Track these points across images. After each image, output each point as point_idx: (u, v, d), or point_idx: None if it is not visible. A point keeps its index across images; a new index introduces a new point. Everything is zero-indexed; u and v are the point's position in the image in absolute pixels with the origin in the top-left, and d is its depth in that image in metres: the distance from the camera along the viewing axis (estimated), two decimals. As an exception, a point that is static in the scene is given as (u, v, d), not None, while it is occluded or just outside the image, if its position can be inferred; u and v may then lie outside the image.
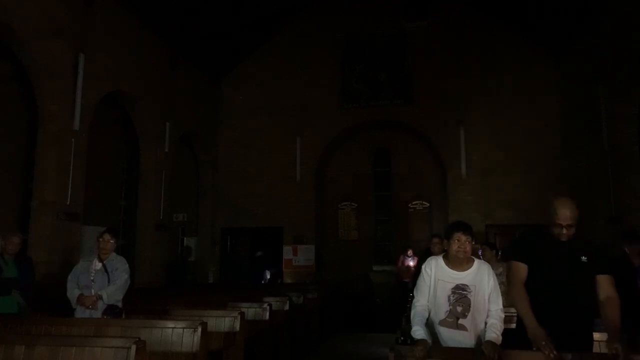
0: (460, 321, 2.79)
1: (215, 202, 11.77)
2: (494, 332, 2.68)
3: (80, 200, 7.16)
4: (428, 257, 3.15)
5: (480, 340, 2.74)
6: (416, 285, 3.00)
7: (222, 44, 11.02)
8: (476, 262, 2.88)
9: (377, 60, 11.65)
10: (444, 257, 2.92)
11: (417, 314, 2.84)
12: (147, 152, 9.34)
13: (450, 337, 2.80)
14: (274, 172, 11.61)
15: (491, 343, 2.56)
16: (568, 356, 2.39)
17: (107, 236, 4.24)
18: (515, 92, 10.72)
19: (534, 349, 2.47)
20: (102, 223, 8.26)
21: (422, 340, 2.63)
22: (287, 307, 6.12)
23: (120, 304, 4.18)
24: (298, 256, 11.32)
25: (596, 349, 2.89)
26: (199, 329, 3.59)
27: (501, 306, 2.82)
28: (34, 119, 7.21)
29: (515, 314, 2.95)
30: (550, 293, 2.72)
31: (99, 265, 4.17)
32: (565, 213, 2.70)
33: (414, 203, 12.29)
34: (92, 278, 4.10)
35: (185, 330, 3.60)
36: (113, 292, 4.10)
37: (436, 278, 2.87)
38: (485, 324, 2.79)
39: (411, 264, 9.73)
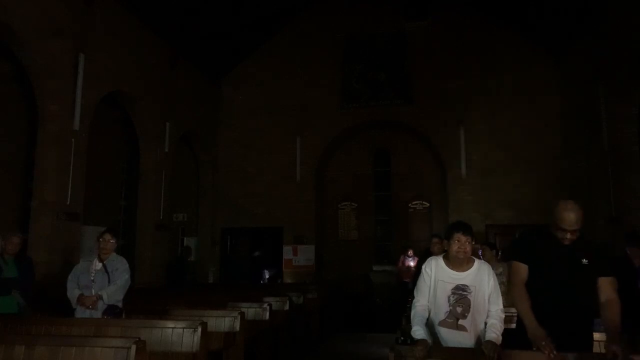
0: (460, 322, 2.79)
1: (215, 202, 11.77)
2: (494, 332, 2.68)
3: (80, 200, 7.16)
4: (428, 257, 3.15)
5: (480, 340, 2.74)
6: (416, 285, 3.00)
7: (222, 44, 11.02)
8: (476, 262, 2.88)
9: (377, 60, 11.65)
10: (444, 258, 2.92)
11: (417, 314, 2.84)
12: (147, 152, 9.34)
13: (450, 337, 2.80)
14: (274, 172, 11.61)
15: (491, 343, 2.56)
16: (568, 356, 2.39)
17: (107, 236, 4.23)
18: (515, 92, 10.72)
19: (534, 349, 2.47)
20: (102, 223, 8.26)
21: (422, 340, 2.63)
22: (287, 307, 6.12)
23: (120, 304, 4.18)
24: (298, 256, 11.32)
25: (596, 349, 2.89)
26: (199, 329, 3.59)
27: (501, 306, 2.82)
28: (34, 119, 7.21)
29: (516, 314, 2.95)
30: (551, 293, 2.72)
31: (99, 265, 4.16)
32: (571, 218, 2.65)
33: (414, 203, 12.29)
34: (92, 278, 4.10)
35: (185, 330, 3.60)
36: (113, 292, 4.10)
37: (436, 278, 2.87)
38: (485, 324, 2.79)
39: (411, 264, 9.73)
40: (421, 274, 2.96)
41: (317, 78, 11.75)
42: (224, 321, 4.45)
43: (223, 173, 11.90)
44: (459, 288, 2.80)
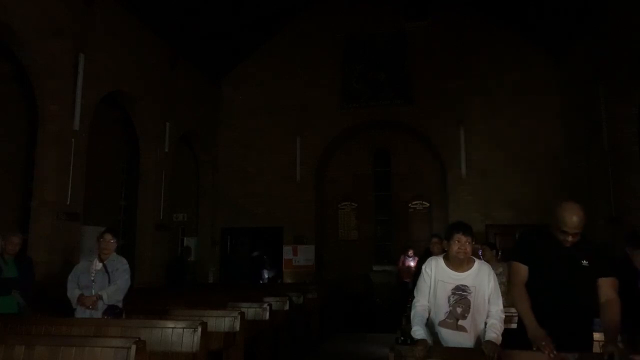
0: (460, 322, 2.78)
1: (215, 202, 11.77)
2: (494, 332, 2.68)
3: (80, 200, 7.16)
4: (428, 257, 3.14)
5: (480, 341, 2.74)
6: (416, 285, 3.00)
7: (222, 44, 11.02)
8: (477, 262, 2.88)
9: (377, 60, 11.65)
10: (444, 258, 2.92)
11: (417, 314, 2.84)
12: (147, 152, 9.34)
13: (450, 338, 2.80)
14: (274, 172, 11.61)
15: (491, 343, 2.56)
16: (568, 356, 2.39)
17: (108, 236, 4.23)
18: (515, 92, 10.72)
19: (534, 349, 2.47)
20: (102, 223, 8.26)
21: (422, 340, 2.62)
22: (287, 307, 6.12)
23: (120, 304, 4.17)
24: (298, 256, 11.32)
25: (596, 349, 2.89)
26: (199, 329, 3.59)
27: (501, 307, 2.82)
28: (34, 119, 7.21)
29: (516, 314, 2.95)
30: (551, 293, 2.72)
31: (99, 265, 4.16)
32: (573, 221, 2.61)
33: (414, 203, 12.30)
34: (92, 278, 4.10)
35: (185, 330, 3.60)
36: (113, 292, 4.10)
37: (436, 279, 2.87)
38: (485, 324, 2.78)
39: (412, 264, 9.73)
40: (421, 274, 2.96)
41: (317, 78, 11.75)
42: (224, 321, 4.44)
43: (223, 173, 11.90)
44: (459, 288, 2.80)
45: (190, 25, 9.72)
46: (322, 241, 11.99)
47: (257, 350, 5.00)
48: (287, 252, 11.42)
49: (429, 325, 2.85)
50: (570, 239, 2.67)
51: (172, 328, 3.61)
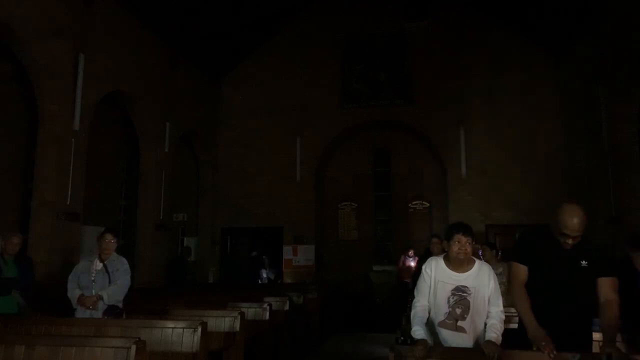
0: (459, 323, 2.78)
1: (215, 202, 11.77)
2: (494, 332, 2.67)
3: (80, 200, 7.16)
4: (428, 257, 3.14)
5: (479, 342, 2.74)
6: (416, 285, 3.00)
7: (222, 44, 11.02)
8: (477, 263, 2.87)
9: (377, 60, 11.65)
10: (444, 258, 2.91)
11: (417, 314, 2.83)
12: (147, 152, 9.34)
13: (449, 338, 2.79)
14: (274, 172, 11.61)
15: (491, 343, 2.56)
16: (568, 356, 2.39)
17: (109, 236, 4.23)
18: (515, 92, 10.72)
19: (534, 349, 2.47)
20: (102, 223, 8.27)
21: (422, 340, 2.62)
22: (287, 307, 6.12)
23: (121, 305, 4.17)
24: (298, 256, 11.32)
25: (595, 349, 2.89)
26: (199, 329, 3.59)
27: (502, 307, 2.81)
28: (34, 119, 7.20)
29: (516, 314, 2.94)
30: (550, 293, 2.72)
31: (99, 265, 4.16)
32: (574, 224, 2.59)
33: (414, 203, 12.30)
34: (92, 278, 4.10)
35: (185, 330, 3.60)
36: (114, 292, 4.10)
37: (436, 279, 2.86)
38: (485, 325, 2.78)
39: (412, 264, 9.73)
40: (421, 274, 2.96)
41: (317, 78, 11.75)
42: (224, 321, 4.44)
43: (223, 173, 11.90)
44: (459, 289, 2.79)
45: (190, 25, 9.72)
46: (322, 241, 11.99)
47: (257, 350, 5.00)
48: (287, 252, 11.42)
49: (429, 325, 2.85)
50: (570, 241, 2.66)
51: (172, 328, 3.61)
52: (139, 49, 8.86)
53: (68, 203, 6.81)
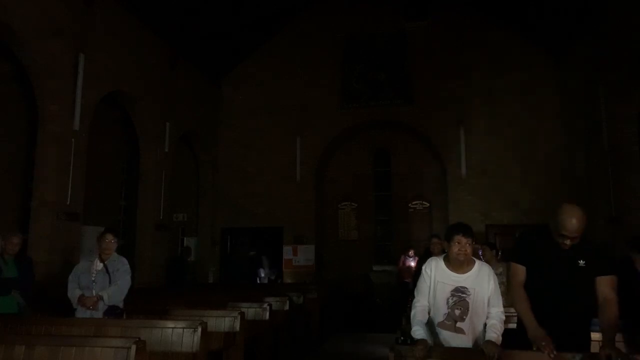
0: (459, 324, 2.77)
1: (215, 202, 11.77)
2: (494, 333, 2.67)
3: (80, 200, 7.16)
4: (428, 257, 3.14)
5: (478, 343, 2.73)
6: (416, 285, 3.00)
7: (222, 44, 11.02)
8: (477, 264, 2.86)
9: (377, 60, 11.65)
10: (444, 259, 2.90)
11: (417, 314, 2.83)
12: (147, 152, 9.34)
13: (449, 339, 2.79)
14: (274, 172, 11.62)
15: (491, 343, 2.56)
16: (568, 356, 2.39)
17: (109, 236, 4.22)
18: (515, 92, 10.72)
19: (534, 349, 2.47)
20: (102, 223, 8.27)
21: (422, 340, 2.62)
22: (287, 307, 6.12)
23: (121, 305, 4.17)
24: (298, 256, 11.32)
25: (595, 349, 2.89)
26: (199, 329, 3.59)
27: (502, 308, 2.81)
28: (34, 119, 7.20)
29: (516, 314, 2.94)
30: (550, 293, 2.72)
31: (100, 265, 4.15)
32: (573, 225, 2.58)
33: (414, 203, 12.30)
34: (93, 278, 4.09)
35: (185, 330, 3.60)
36: (114, 293, 4.09)
37: (436, 279, 2.85)
38: (485, 325, 2.78)
39: (412, 264, 9.73)
40: (421, 274, 2.96)
41: (317, 78, 11.75)
42: (224, 321, 4.44)
43: (223, 173, 11.90)
44: (458, 290, 2.79)
45: (190, 25, 9.72)
46: (322, 241, 11.99)
47: (257, 350, 5.00)
48: (287, 252, 11.42)
49: (430, 325, 2.84)
50: (568, 242, 2.65)
51: (172, 328, 3.61)
52: (139, 49, 8.86)
53: (68, 203, 6.81)
